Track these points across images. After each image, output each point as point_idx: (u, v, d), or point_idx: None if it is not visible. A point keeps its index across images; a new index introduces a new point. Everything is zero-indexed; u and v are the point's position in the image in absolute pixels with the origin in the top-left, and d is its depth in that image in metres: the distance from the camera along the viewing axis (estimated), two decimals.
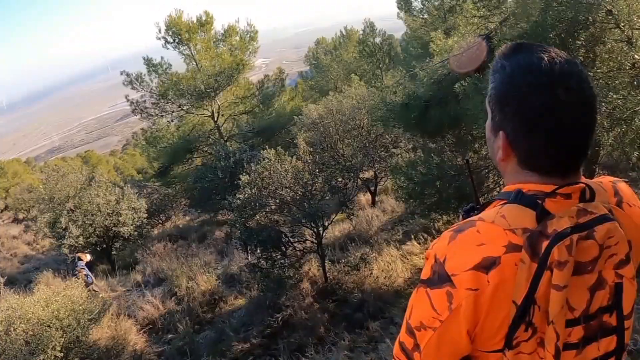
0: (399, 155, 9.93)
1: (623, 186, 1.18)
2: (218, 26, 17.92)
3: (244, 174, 8.79)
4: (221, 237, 15.71)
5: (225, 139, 18.33)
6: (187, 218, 21.63)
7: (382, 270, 8.46)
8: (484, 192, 7.93)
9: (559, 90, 1.01)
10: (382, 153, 13.22)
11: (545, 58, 1.03)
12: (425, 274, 1.09)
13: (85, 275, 9.98)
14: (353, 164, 12.45)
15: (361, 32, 28.24)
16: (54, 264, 15.74)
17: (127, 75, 16.80)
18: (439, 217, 9.02)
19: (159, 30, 16.79)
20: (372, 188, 14.10)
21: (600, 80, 5.24)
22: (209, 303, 9.52)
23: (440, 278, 1.04)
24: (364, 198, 14.53)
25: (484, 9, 7.51)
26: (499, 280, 0.99)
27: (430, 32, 12.65)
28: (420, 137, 9.37)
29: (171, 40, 17.01)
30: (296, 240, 8.76)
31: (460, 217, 1.27)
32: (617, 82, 5.19)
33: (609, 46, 5.38)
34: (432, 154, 8.47)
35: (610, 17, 5.21)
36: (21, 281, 14.23)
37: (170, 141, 18.09)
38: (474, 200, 1.46)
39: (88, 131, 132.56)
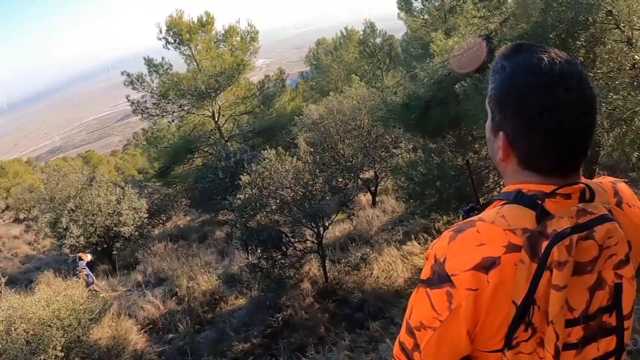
0: (400, 156, 9.94)
1: (623, 187, 1.18)
2: (219, 26, 17.94)
3: (245, 174, 8.79)
4: (222, 237, 15.71)
5: (225, 139, 18.33)
6: (188, 218, 21.64)
7: (383, 271, 8.46)
8: (484, 193, 7.93)
9: (559, 91, 1.01)
10: (383, 153, 13.22)
11: (545, 58, 1.03)
12: (425, 274, 1.09)
13: (86, 275, 9.99)
14: (353, 164, 12.46)
15: (361, 32, 28.24)
16: (54, 264, 15.76)
17: (128, 75, 16.81)
18: (439, 217, 9.02)
19: (160, 31, 16.80)
20: (373, 188, 14.10)
21: (601, 81, 5.24)
22: (210, 303, 9.53)
23: (440, 278, 1.04)
24: (365, 198, 14.52)
25: (484, 10, 7.51)
26: (498, 281, 0.99)
27: (431, 32, 12.64)
28: (421, 138, 9.37)
29: (172, 41, 17.02)
30: (297, 240, 8.76)
31: (460, 217, 1.27)
32: (617, 82, 5.19)
33: (609, 47, 5.38)
34: (432, 154, 8.48)
35: (610, 17, 5.21)
36: (22, 281, 14.24)
37: (171, 141, 18.09)
38: (474, 201, 1.46)
39: (89, 131, 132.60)
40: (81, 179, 14.81)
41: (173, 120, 18.82)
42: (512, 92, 1.06)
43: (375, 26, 27.29)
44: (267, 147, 10.45)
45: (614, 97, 5.03)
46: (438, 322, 1.04)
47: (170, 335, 8.64)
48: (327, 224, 8.81)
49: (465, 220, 1.11)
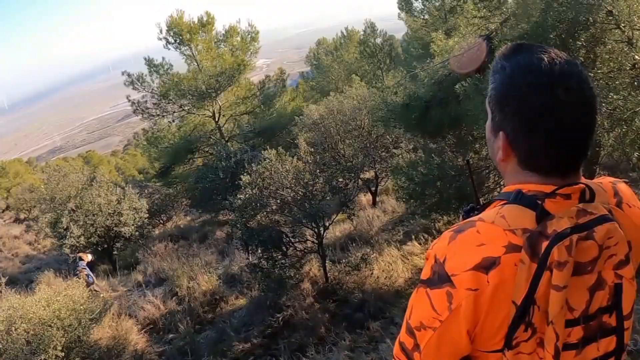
0: (400, 156, 9.94)
1: (623, 187, 1.18)
2: (219, 26, 17.95)
3: (245, 174, 8.79)
4: (222, 237, 15.71)
5: (226, 139, 18.33)
6: (188, 218, 21.64)
7: (383, 271, 8.46)
8: (484, 193, 7.94)
9: (559, 91, 1.01)
10: (383, 153, 13.22)
11: (545, 58, 1.03)
12: (425, 274, 1.09)
13: (86, 275, 9.99)
14: (354, 165, 12.46)
15: (362, 32, 28.23)
16: (55, 264, 15.76)
17: (129, 75, 16.82)
18: (440, 217, 9.02)
19: (160, 31, 16.81)
20: (373, 188, 14.10)
21: (601, 81, 5.24)
22: (210, 303, 9.53)
23: (440, 278, 1.04)
24: (365, 198, 14.52)
25: (484, 10, 7.51)
26: (498, 281, 0.99)
27: (431, 32, 12.65)
28: (421, 138, 9.37)
29: (172, 41, 17.03)
30: (297, 240, 8.76)
31: (460, 217, 1.27)
32: (617, 82, 5.19)
33: (610, 47, 5.38)
34: (432, 155, 8.48)
35: (610, 17, 5.21)
36: (22, 281, 14.25)
37: (172, 141, 18.10)
38: (474, 201, 1.46)
39: (89, 131, 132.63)
40: (82, 179, 14.81)
41: (173, 121, 18.83)
42: (512, 92, 1.06)
43: (376, 26, 27.29)
44: (268, 147, 10.45)
45: (615, 97, 5.03)
46: (438, 322, 1.04)
47: (171, 335, 8.64)
48: (327, 224, 8.81)
49: (465, 221, 1.11)
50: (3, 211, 30.77)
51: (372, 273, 8.46)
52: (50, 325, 6.34)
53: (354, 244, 10.16)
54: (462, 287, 1.01)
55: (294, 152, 9.65)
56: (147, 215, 15.49)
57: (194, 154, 18.66)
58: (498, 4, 7.33)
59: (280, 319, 7.99)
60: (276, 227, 8.43)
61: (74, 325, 6.65)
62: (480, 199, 7.27)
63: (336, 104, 13.84)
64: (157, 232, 18.50)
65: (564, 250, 0.95)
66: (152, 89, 17.06)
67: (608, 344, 1.05)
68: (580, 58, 5.38)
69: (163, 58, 17.16)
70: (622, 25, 5.14)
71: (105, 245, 14.69)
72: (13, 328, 6.13)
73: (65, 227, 13.35)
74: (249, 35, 18.19)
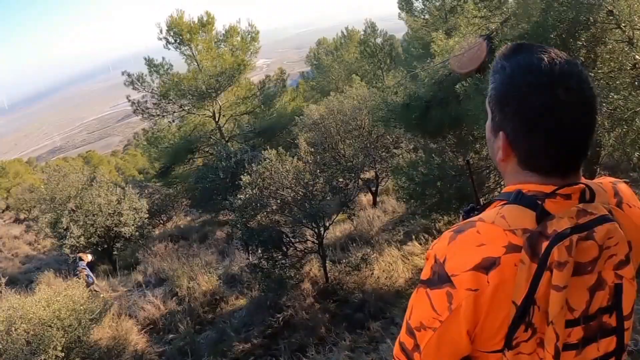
0: (400, 156, 9.94)
1: (623, 187, 1.18)
2: (219, 26, 17.96)
3: (245, 174, 8.79)
4: (222, 238, 15.71)
5: (226, 139, 18.34)
6: (188, 218, 21.64)
7: (383, 271, 8.46)
8: (485, 193, 7.93)
9: (559, 91, 1.01)
10: (383, 153, 13.22)
11: (545, 58, 1.03)
12: (425, 275, 1.09)
13: (86, 275, 9.99)
14: (354, 165, 12.47)
15: (362, 32, 28.23)
16: (55, 264, 15.76)
17: (129, 75, 16.83)
18: (440, 217, 9.02)
19: (160, 31, 16.82)
20: (373, 188, 14.10)
21: (602, 81, 5.24)
22: (210, 303, 9.53)
23: (440, 278, 1.04)
24: (365, 198, 14.52)
25: (485, 10, 7.51)
26: (498, 281, 0.99)
27: (432, 32, 12.65)
28: (421, 138, 9.37)
29: (172, 41, 17.03)
30: (297, 240, 8.76)
31: (461, 217, 1.27)
32: (618, 82, 5.18)
33: (610, 47, 5.37)
34: (433, 155, 8.48)
35: (611, 17, 5.21)
36: (22, 281, 14.25)
37: (172, 141, 18.10)
38: (475, 201, 1.46)
39: (89, 131, 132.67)
40: (82, 179, 14.81)
41: (173, 121, 18.83)
42: (512, 92, 1.06)
43: (376, 26, 27.29)
44: (268, 147, 10.45)
45: (615, 97, 5.02)
46: (438, 322, 1.04)
47: (171, 336, 8.64)
48: (327, 224, 8.81)
49: (465, 221, 1.11)
50: (3, 211, 30.78)
51: (372, 273, 8.46)
52: (50, 326, 6.34)
53: (354, 244, 10.16)
54: (462, 287, 1.01)
55: (294, 152, 9.65)
56: (147, 215, 15.49)
57: (194, 154, 18.66)
58: (498, 3, 7.33)
59: (280, 319, 7.99)
60: (276, 227, 8.43)
61: (74, 325, 6.65)
62: (481, 199, 7.26)
63: (336, 104, 13.84)
64: (157, 232, 18.51)
65: (564, 250, 0.95)
66: (152, 89, 17.07)
67: (608, 344, 1.05)
68: (581, 58, 5.38)
69: (163, 58, 17.17)
70: (623, 25, 5.14)
71: (105, 246, 14.69)
72: (13, 328, 6.13)
73: (65, 227, 13.35)
74: (249, 35, 18.20)
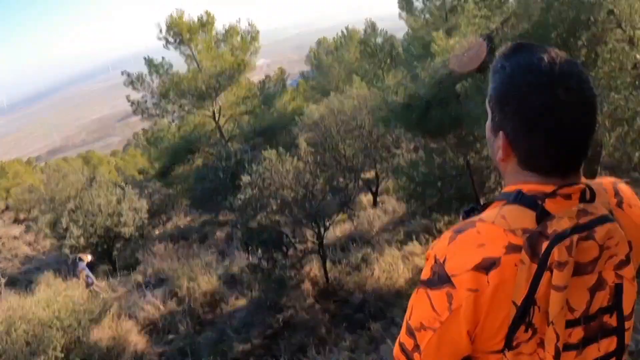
0: (401, 156, 9.95)
1: (623, 187, 1.18)
2: (219, 26, 17.95)
3: (245, 174, 8.79)
4: (222, 238, 15.71)
5: (226, 139, 18.33)
6: (188, 218, 21.61)
7: (384, 271, 8.46)
8: (485, 193, 7.94)
9: (559, 90, 1.00)
10: (384, 153, 13.21)
11: (545, 58, 1.03)
12: (425, 275, 1.09)
13: (86, 275, 9.99)
14: (354, 165, 12.47)
15: (362, 32, 28.21)
16: (54, 265, 15.74)
17: (128, 75, 16.84)
18: (441, 217, 9.02)
19: (160, 31, 16.83)
20: (374, 188, 14.10)
21: (602, 81, 5.24)
22: (210, 304, 9.52)
23: (440, 279, 1.04)
24: (365, 198, 14.53)
25: (485, 9, 7.50)
26: (499, 281, 0.99)
27: (432, 32, 12.64)
28: (422, 138, 9.37)
29: (172, 41, 17.03)
30: (297, 240, 8.76)
31: (461, 217, 1.26)
32: (618, 82, 5.19)
33: (611, 46, 5.37)
34: (433, 155, 8.48)
35: (612, 17, 5.21)
36: (22, 282, 14.24)
37: (172, 141, 18.10)
38: (475, 201, 1.46)
39: (89, 131, 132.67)
40: (81, 180, 14.82)
41: (173, 121, 18.84)
42: (512, 91, 1.06)
43: (376, 26, 27.26)
44: (268, 147, 10.44)
45: (616, 96, 5.02)
46: (438, 322, 1.04)
47: (171, 336, 8.64)
48: (327, 224, 8.81)
49: (465, 221, 1.11)
50: (2, 211, 30.77)
51: (372, 273, 8.46)
52: (49, 326, 6.34)
53: (354, 244, 10.17)
54: (462, 287, 1.01)
55: (294, 152, 9.65)
56: (147, 215, 15.49)
57: (194, 154, 18.65)
58: (499, 3, 7.32)
59: (280, 319, 7.99)
60: (276, 228, 8.43)
61: (73, 326, 6.66)
62: (482, 199, 7.26)
63: (337, 104, 13.84)
64: (157, 232, 18.50)
65: (564, 250, 0.95)
66: (152, 89, 17.07)
67: (609, 344, 1.05)
68: (582, 57, 5.38)
69: (163, 58, 17.16)
70: (624, 24, 5.14)
71: (105, 246, 14.68)
72: (13, 329, 6.13)
73: (64, 227, 13.35)
74: (249, 35, 18.20)
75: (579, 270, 0.98)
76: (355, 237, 10.71)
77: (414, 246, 9.20)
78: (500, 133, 1.10)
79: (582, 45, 5.40)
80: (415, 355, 1.09)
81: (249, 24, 18.39)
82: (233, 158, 13.46)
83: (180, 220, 21.12)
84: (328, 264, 8.85)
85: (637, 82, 5.16)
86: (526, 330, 1.00)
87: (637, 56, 5.13)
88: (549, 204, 1.02)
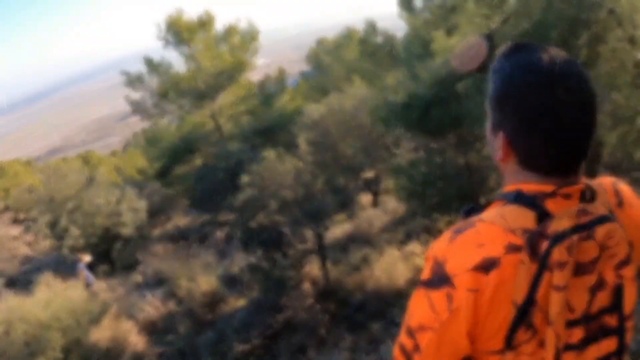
0: (401, 156, 9.94)
1: (623, 187, 1.18)
2: (219, 26, 17.92)
3: (245, 174, 8.79)
4: (222, 238, 15.71)
5: (226, 139, 18.33)
6: (188, 218, 21.63)
7: (384, 271, 8.46)
8: (486, 192, 7.93)
9: (559, 90, 1.00)
10: (384, 153, 13.20)
11: (545, 58, 1.03)
12: (424, 275, 1.09)
13: (85, 276, 9.99)
14: (354, 164, 12.46)
15: (362, 31, 28.20)
16: (54, 265, 15.72)
17: (128, 75, 16.82)
18: (440, 217, 9.02)
19: (160, 30, 16.81)
20: (374, 188, 14.10)
21: (603, 80, 5.24)
22: (210, 304, 9.52)
23: (440, 279, 1.04)
24: (365, 198, 14.53)
25: (485, 8, 7.50)
26: (499, 281, 0.99)
27: (432, 31, 12.62)
28: (422, 137, 9.37)
29: (172, 40, 17.01)
30: (297, 240, 8.76)
31: (461, 217, 1.26)
32: (619, 81, 5.18)
33: (611, 45, 5.37)
34: (433, 154, 8.48)
35: (612, 16, 5.20)
36: (21, 282, 14.23)
37: (171, 141, 18.08)
38: (475, 201, 1.45)
39: (89, 131, 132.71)
40: (81, 180, 14.81)
41: (173, 120, 18.82)
42: (512, 91, 1.06)
43: (376, 25, 27.26)
44: (268, 147, 10.44)
45: (617, 96, 5.02)
46: (438, 323, 1.04)
47: (170, 337, 8.64)
48: (327, 224, 8.81)
49: (465, 221, 1.11)
50: (2, 212, 30.77)
51: (372, 273, 8.46)
52: (49, 327, 6.34)
53: (354, 245, 10.15)
54: (462, 287, 1.00)
55: (294, 152, 9.64)
56: (147, 215, 15.48)
57: (193, 154, 18.64)
58: (499, 2, 7.32)
59: (280, 319, 7.99)
60: (276, 228, 8.43)
61: (72, 326, 6.66)
62: (481, 199, 7.26)
63: (336, 104, 13.83)
64: (156, 232, 18.50)
65: (565, 250, 0.95)
66: (152, 89, 17.05)
67: (609, 344, 1.05)
68: (582, 57, 5.38)
69: (162, 58, 17.15)
70: (624, 23, 5.13)
71: (105, 246, 14.67)
72: (12, 329, 6.13)
73: (64, 228, 13.35)
74: (249, 35, 18.18)
75: (579, 270, 0.98)
76: (355, 237, 10.71)
77: (414, 246, 9.21)
78: (500, 133, 1.10)
79: (582, 44, 5.40)
80: (415, 355, 1.09)
81: (248, 24, 18.39)
82: (233, 158, 13.45)
83: (180, 220, 21.12)
84: (328, 264, 8.85)
85: (637, 81, 5.16)
86: (526, 331, 0.99)
87: (638, 55, 5.13)
88: (549, 204, 1.02)
